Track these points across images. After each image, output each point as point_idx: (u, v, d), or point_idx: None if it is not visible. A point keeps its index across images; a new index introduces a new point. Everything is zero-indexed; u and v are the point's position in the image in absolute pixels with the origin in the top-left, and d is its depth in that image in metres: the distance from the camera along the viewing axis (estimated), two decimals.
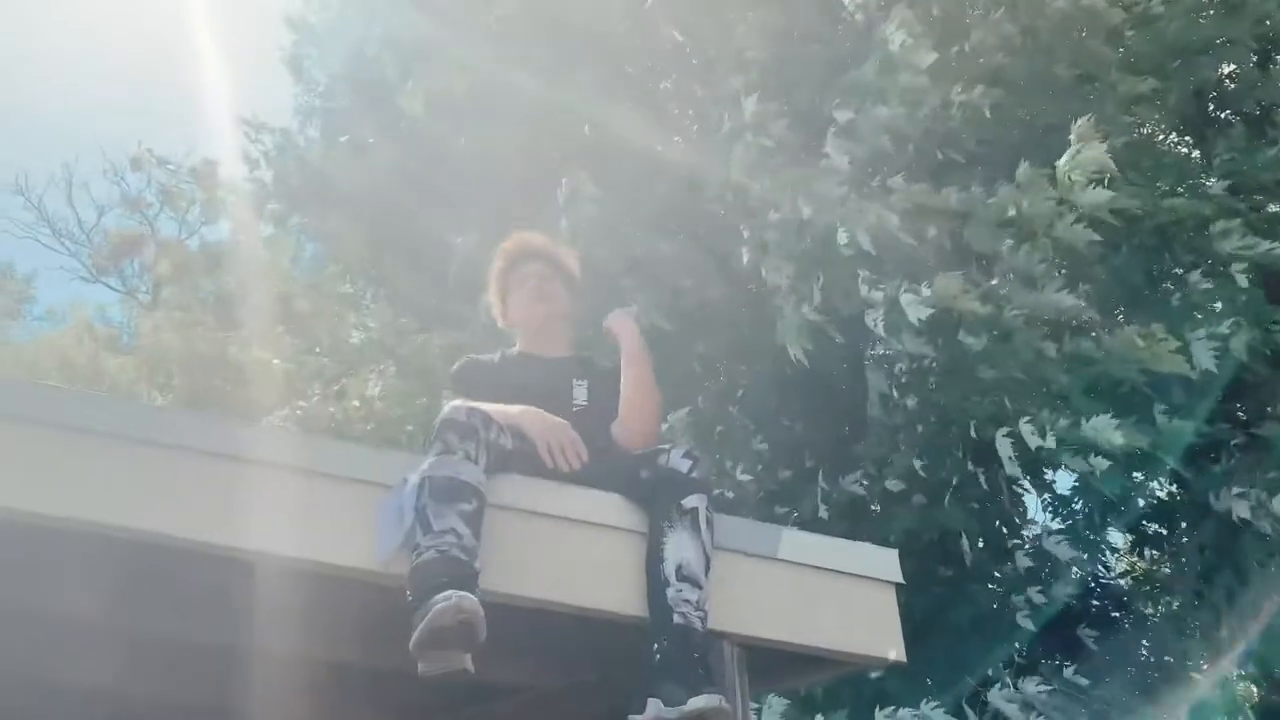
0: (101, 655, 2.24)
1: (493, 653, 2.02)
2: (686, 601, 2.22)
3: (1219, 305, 4.74)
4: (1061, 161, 4.16)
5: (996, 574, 5.36)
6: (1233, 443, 5.17)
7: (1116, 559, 7.08)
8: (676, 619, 2.19)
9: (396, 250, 7.03)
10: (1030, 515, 6.14)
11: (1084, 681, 4.70)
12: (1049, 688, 4.52)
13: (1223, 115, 6.49)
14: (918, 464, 4.79)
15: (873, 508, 5.27)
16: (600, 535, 2.34)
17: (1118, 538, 6.37)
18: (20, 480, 1.84)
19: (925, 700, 4.41)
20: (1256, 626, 4.93)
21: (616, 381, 2.75)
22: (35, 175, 27.27)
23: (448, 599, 1.90)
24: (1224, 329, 4.43)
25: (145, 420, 2.01)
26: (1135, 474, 5.30)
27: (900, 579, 2.60)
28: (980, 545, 5.00)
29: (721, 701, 2.05)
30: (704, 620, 2.23)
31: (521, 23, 5.82)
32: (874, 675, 4.33)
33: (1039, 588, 4.87)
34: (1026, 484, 5.81)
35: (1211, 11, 5.64)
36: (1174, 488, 5.94)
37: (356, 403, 7.03)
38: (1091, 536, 5.65)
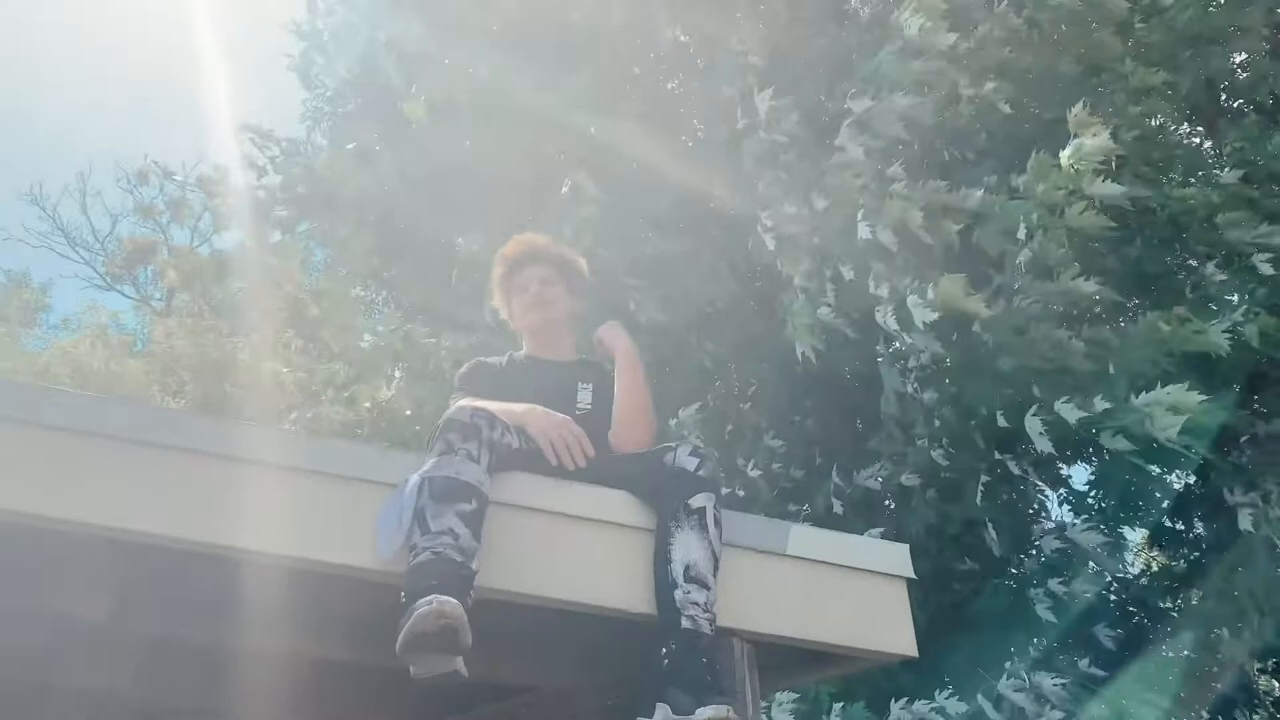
0: (107, 657, 2.23)
1: (501, 651, 2.01)
2: (694, 604, 2.20)
3: (1235, 296, 4.68)
4: (1066, 153, 4.13)
5: (1015, 571, 5.31)
6: (1243, 438, 5.11)
7: (1134, 556, 7.03)
8: (685, 622, 2.17)
9: (403, 255, 7.04)
10: (1052, 514, 6.09)
11: (1100, 673, 4.65)
12: (1063, 680, 4.47)
13: (1235, 105, 6.44)
14: (937, 456, 4.75)
15: (888, 503, 5.24)
16: (607, 532, 2.32)
17: (1135, 535, 6.32)
18: (23, 483, 1.84)
19: (940, 691, 4.37)
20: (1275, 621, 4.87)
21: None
22: (50, 185, 27.56)
23: (429, 604, 1.88)
24: (1239, 316, 4.37)
25: (146, 422, 1.99)
26: (1153, 466, 5.25)
27: (911, 574, 2.57)
28: (1003, 536, 4.95)
29: (730, 712, 2.03)
30: (712, 623, 2.21)
31: (523, 25, 5.82)
32: (891, 670, 4.30)
33: (1060, 579, 4.82)
34: (1042, 483, 5.77)
35: (1223, 1, 5.60)
36: (1192, 481, 5.89)
37: (368, 404, 7.04)
38: (1108, 532, 5.59)
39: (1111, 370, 4.24)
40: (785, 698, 4.46)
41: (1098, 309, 4.70)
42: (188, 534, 1.88)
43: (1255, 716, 5.99)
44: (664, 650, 2.15)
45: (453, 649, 1.91)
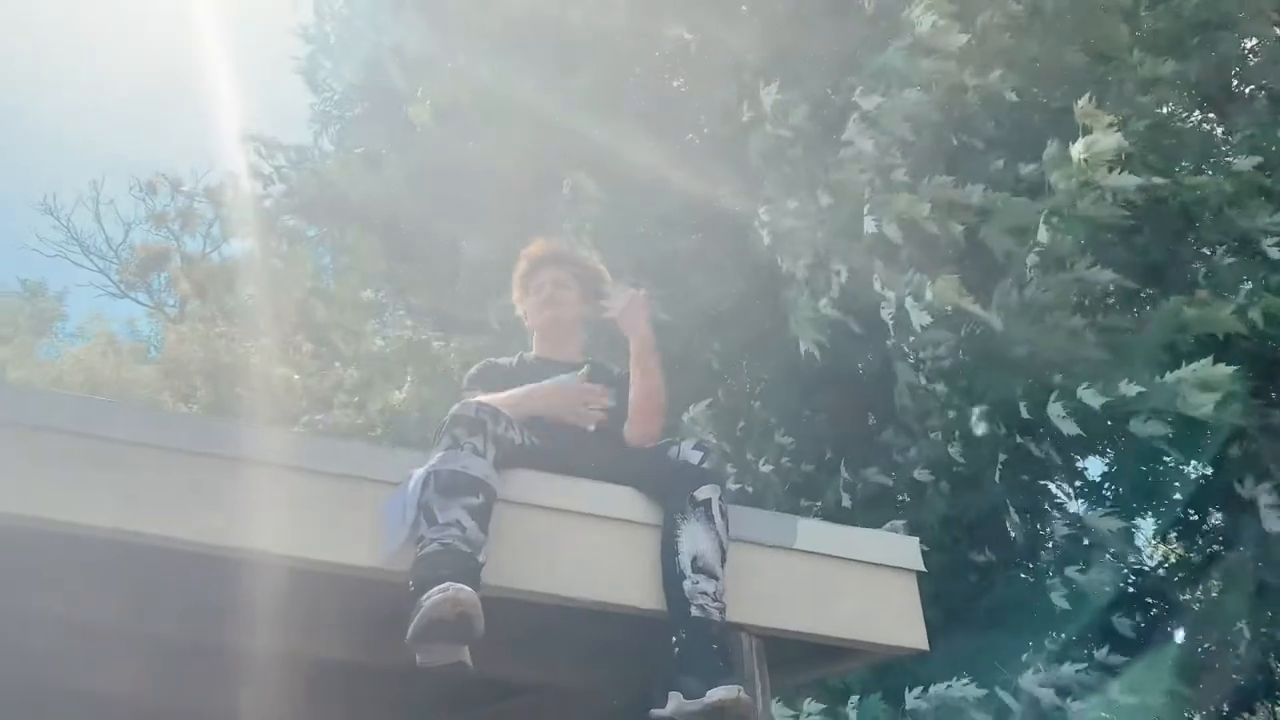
0: (114, 659, 2.24)
1: (508, 650, 2.01)
2: (703, 593, 2.20)
3: (1249, 283, 4.64)
4: (1078, 147, 4.10)
5: (1031, 565, 5.28)
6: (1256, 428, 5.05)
7: (1151, 547, 6.97)
8: (694, 611, 2.17)
9: (411, 258, 7.05)
10: (1068, 505, 6.05)
11: (1118, 659, 4.60)
12: (1082, 667, 4.44)
13: (1245, 91, 6.38)
14: (952, 449, 4.72)
15: (901, 497, 5.21)
16: (613, 528, 2.32)
17: (1149, 525, 6.27)
18: (31, 487, 1.84)
19: (956, 678, 4.34)
20: None
21: (625, 387, 2.72)
22: (61, 191, 27.76)
23: (444, 590, 1.88)
24: (1242, 299, 4.33)
25: (152, 425, 2.00)
26: (1167, 456, 5.21)
27: (921, 567, 2.56)
28: (1019, 523, 4.91)
29: (740, 692, 2.03)
30: (722, 611, 2.21)
31: (524, 26, 5.82)
32: (907, 664, 4.27)
33: (1077, 566, 4.79)
34: (1060, 470, 5.72)
35: None
36: (1209, 472, 5.84)
37: (378, 407, 7.05)
38: (1126, 521, 5.55)
39: (1132, 354, 4.21)
40: (816, 708, 4.45)
41: (1110, 299, 4.66)
42: (193, 536, 1.88)
43: (1277, 708, 5.95)
44: (674, 639, 2.16)
45: (465, 637, 1.92)
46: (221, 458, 1.96)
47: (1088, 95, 4.14)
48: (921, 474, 4.95)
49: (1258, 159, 4.87)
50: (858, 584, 2.48)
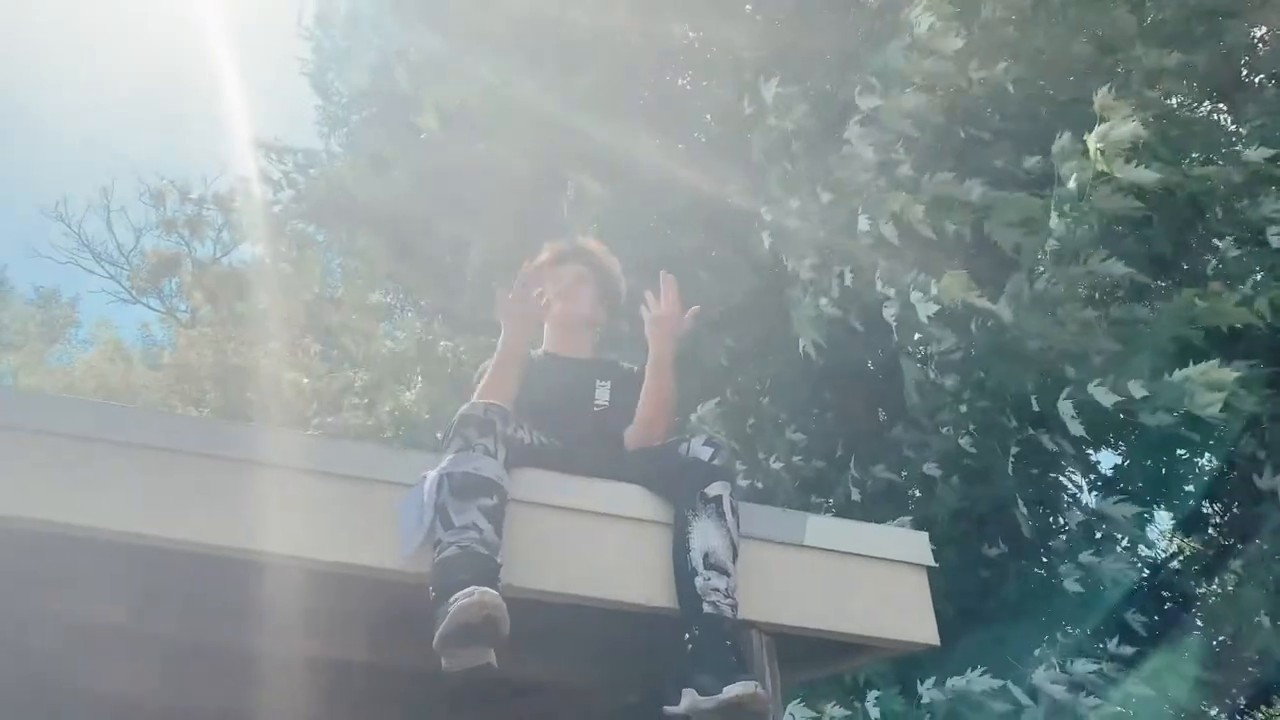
0: (128, 661, 2.25)
1: (520, 649, 2.00)
2: (715, 590, 2.19)
3: (1260, 273, 4.60)
4: (1093, 137, 4.07)
5: (1044, 559, 5.25)
6: (1269, 419, 5.01)
7: (1166, 541, 6.93)
8: (706, 608, 2.17)
9: (419, 261, 7.06)
10: (1081, 497, 6.01)
11: (1130, 650, 4.57)
12: (1096, 667, 4.41)
13: (1255, 81, 6.33)
14: (964, 442, 4.70)
15: (912, 492, 5.19)
16: (623, 527, 2.32)
17: (1165, 517, 6.23)
18: (41, 490, 1.85)
19: (971, 669, 4.33)
20: None
21: (637, 385, 2.73)
22: (74, 200, 27.93)
23: (470, 594, 1.88)
24: (1248, 289, 4.30)
25: (160, 428, 2.00)
26: (1180, 450, 5.17)
27: (932, 562, 2.55)
28: (1030, 516, 4.89)
29: (756, 688, 2.03)
30: (734, 608, 2.20)
31: (527, 27, 5.82)
32: (920, 660, 4.26)
33: (1092, 550, 4.76)
34: (1074, 463, 5.69)
35: None
36: (1223, 464, 5.80)
37: (388, 408, 7.07)
38: (1140, 516, 5.51)
39: (1143, 347, 4.18)
40: (841, 713, 4.44)
41: (1119, 292, 4.63)
42: (203, 538, 1.89)
43: None
44: (687, 637, 2.15)
45: (492, 640, 1.92)
46: (230, 460, 1.97)
47: (1107, 86, 4.11)
48: (931, 469, 4.94)
49: (1269, 151, 4.83)
50: (868, 580, 2.47)
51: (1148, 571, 5.82)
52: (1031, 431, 4.71)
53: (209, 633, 2.18)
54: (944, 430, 4.88)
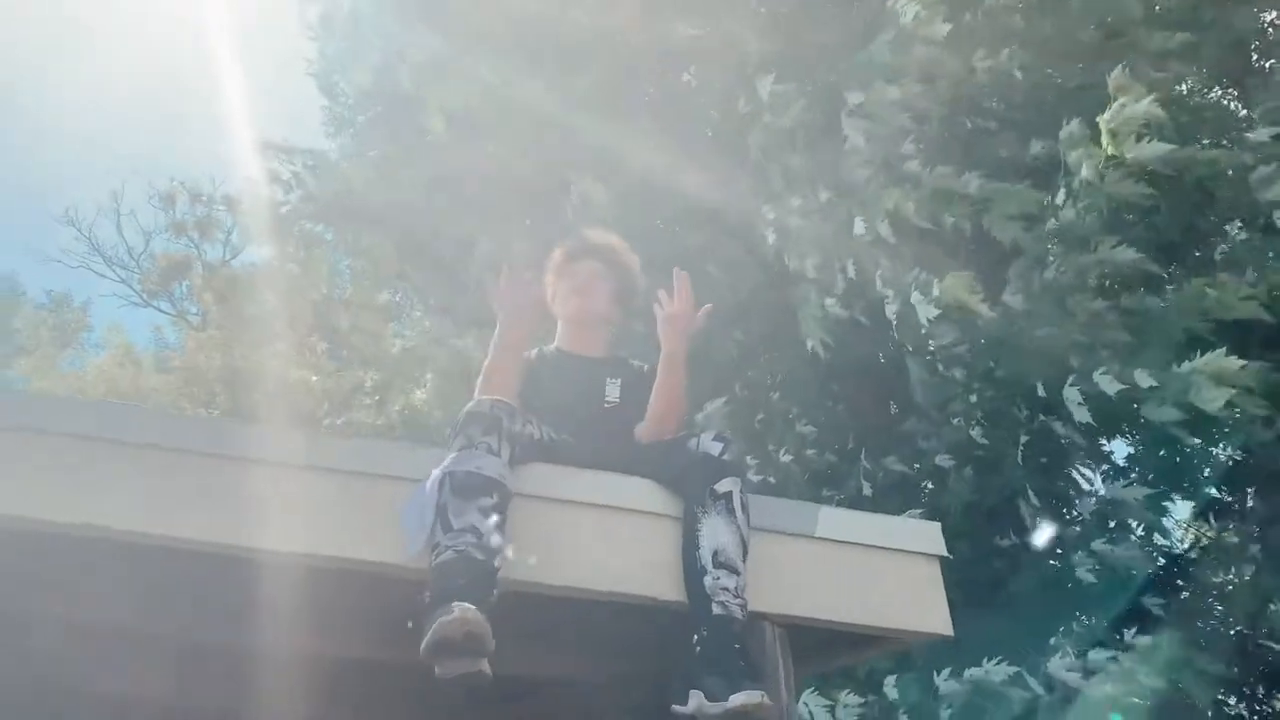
0: (132, 661, 2.25)
1: (528, 645, 2.00)
2: (725, 589, 2.18)
3: (1273, 258, 4.57)
4: (1106, 117, 4.04)
5: (1057, 549, 5.22)
6: None
7: (1183, 530, 6.88)
8: (716, 609, 2.16)
9: (426, 260, 7.07)
10: (1092, 486, 5.98)
11: (1146, 640, 4.54)
12: (1111, 654, 4.39)
13: (1266, 66, 6.28)
14: (975, 433, 4.68)
15: (926, 484, 5.18)
16: (632, 521, 2.31)
17: (1179, 508, 6.19)
18: (42, 490, 1.85)
19: (986, 659, 4.31)
20: None
21: (648, 384, 2.73)
22: (84, 205, 28.04)
23: (449, 612, 1.88)
24: (1251, 276, 4.26)
25: (164, 428, 2.00)
26: (1196, 439, 5.13)
27: (944, 552, 2.53)
28: (1042, 506, 4.87)
29: (764, 697, 2.01)
30: (743, 608, 2.19)
31: (527, 27, 5.81)
32: (934, 651, 4.24)
33: (1104, 539, 4.73)
34: (1084, 452, 5.66)
35: None
36: (1239, 452, 5.75)
37: (398, 408, 7.08)
38: (1154, 504, 5.48)
39: (1152, 338, 4.15)
40: (852, 699, 4.44)
41: (1127, 281, 4.59)
42: (206, 536, 1.89)
43: None
44: (696, 637, 2.14)
45: (477, 653, 1.91)
46: (232, 458, 1.97)
47: (1121, 65, 4.08)
48: (943, 460, 4.92)
49: (1274, 129, 4.78)
50: (881, 570, 2.46)
51: (1163, 560, 5.78)
52: (1043, 418, 4.68)
53: (213, 632, 2.18)
54: (954, 421, 4.85)
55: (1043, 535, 4.93)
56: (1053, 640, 4.51)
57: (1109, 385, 4.04)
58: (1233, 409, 3.82)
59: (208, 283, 14.29)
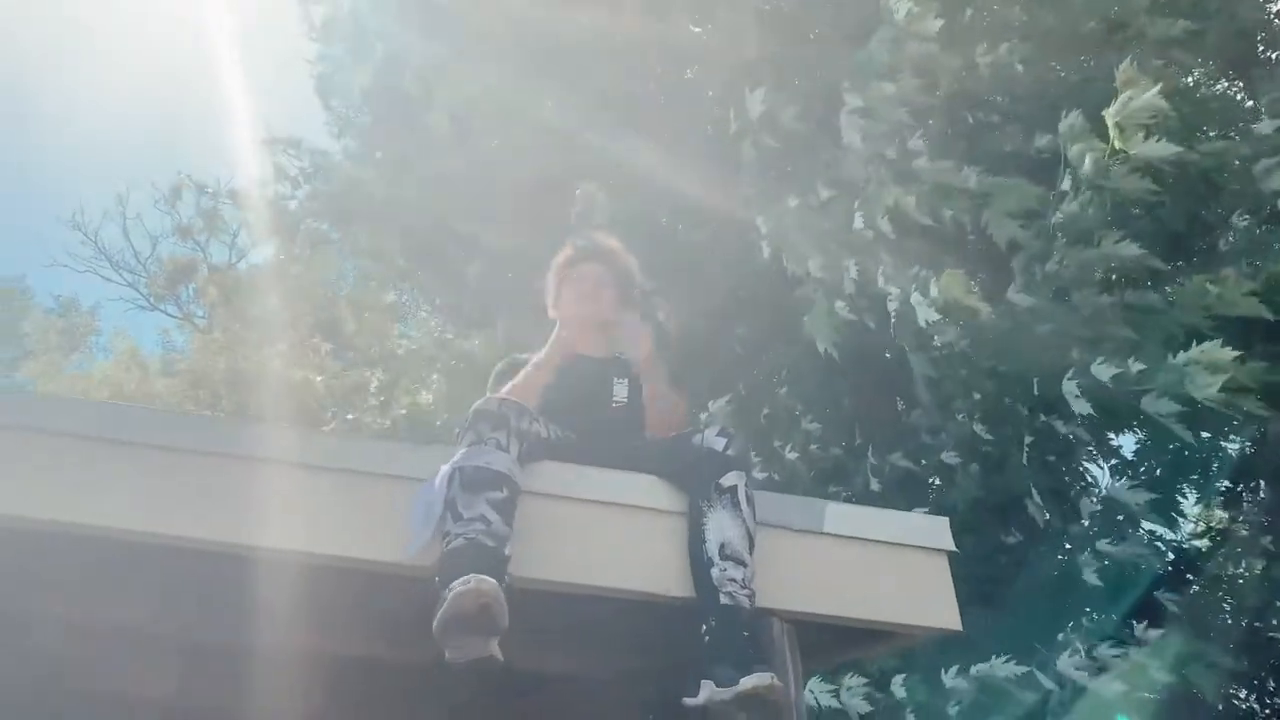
0: (136, 660, 2.25)
1: (537, 641, 2.00)
2: (732, 580, 2.19)
3: (1278, 246, 4.55)
4: (1112, 110, 4.02)
5: (1067, 546, 5.21)
6: None
7: (1194, 522, 6.87)
8: (723, 599, 2.17)
9: (431, 260, 7.08)
10: (1099, 481, 5.96)
11: (1156, 632, 4.53)
12: (1121, 650, 4.37)
13: (1273, 56, 6.26)
14: (979, 429, 4.66)
15: (932, 480, 5.16)
16: (640, 517, 2.31)
17: (1189, 500, 6.16)
18: (45, 490, 1.85)
19: (995, 656, 4.30)
20: None
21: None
22: (90, 209, 28.15)
23: (466, 583, 1.89)
24: (1245, 268, 4.25)
25: (165, 427, 2.00)
26: (1205, 433, 5.12)
27: (952, 547, 2.52)
28: (1047, 504, 4.85)
29: (773, 679, 2.02)
30: (751, 598, 2.20)
31: (529, 27, 5.81)
32: (944, 647, 4.23)
33: (1109, 540, 4.71)
34: (1089, 447, 5.64)
35: None
36: (1245, 443, 5.73)
37: (403, 411, 7.09)
38: (1163, 498, 5.46)
39: (1154, 333, 4.14)
40: (856, 681, 4.43)
41: (1131, 275, 4.58)
42: (208, 535, 1.89)
43: None
44: (704, 628, 2.15)
45: (490, 630, 1.91)
46: (232, 456, 1.97)
47: (1129, 59, 4.06)
48: (950, 456, 4.91)
49: (1277, 122, 4.76)
50: (889, 566, 2.45)
51: (1171, 555, 5.76)
52: (1044, 419, 4.67)
53: (214, 631, 2.19)
54: (959, 417, 4.84)
55: (1049, 532, 4.92)
56: (1061, 636, 4.49)
57: (1104, 373, 4.04)
58: (1227, 397, 3.81)
59: (211, 280, 14.31)
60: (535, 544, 2.13)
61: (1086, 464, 5.49)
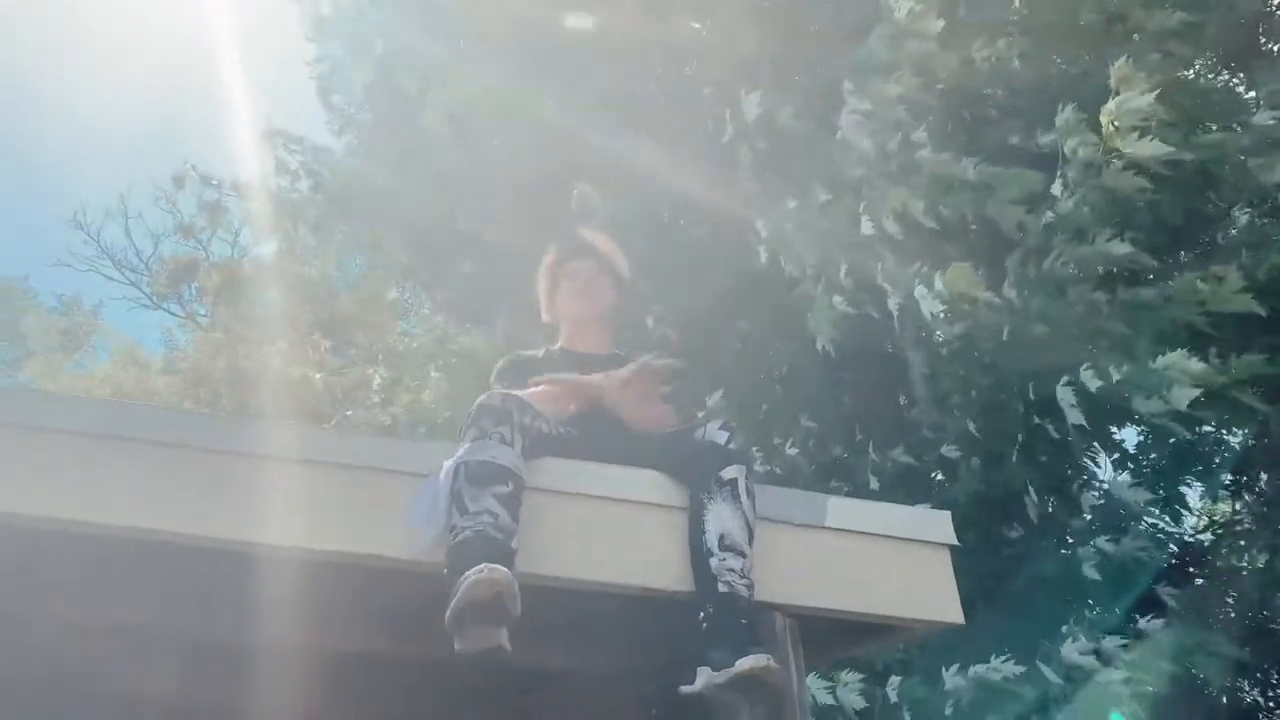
0: (139, 659, 2.25)
1: (539, 638, 2.00)
2: (731, 570, 2.20)
3: (1277, 238, 4.53)
4: (1110, 107, 4.01)
5: (1070, 539, 5.21)
6: None
7: (1197, 515, 6.86)
8: (721, 587, 2.18)
9: (431, 257, 7.08)
10: (1100, 478, 5.95)
11: (1159, 626, 4.53)
12: (1124, 642, 4.37)
13: (1275, 49, 6.23)
14: (972, 425, 4.67)
15: (934, 475, 5.16)
16: (642, 513, 2.31)
17: (1191, 493, 6.16)
18: (45, 488, 1.85)
19: (996, 656, 4.30)
20: None
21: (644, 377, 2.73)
22: (93, 207, 28.16)
23: (480, 571, 1.89)
24: (1251, 260, 4.24)
25: (164, 424, 2.00)
26: (1207, 426, 5.11)
27: (954, 540, 2.53)
28: (1048, 500, 4.85)
29: (769, 660, 2.02)
30: (750, 588, 2.20)
31: (528, 26, 5.80)
32: (947, 642, 4.24)
33: (1109, 536, 4.72)
34: (1096, 445, 5.64)
35: None
36: (1247, 435, 5.73)
37: (403, 405, 7.09)
38: (1165, 491, 5.46)
39: (1146, 330, 4.14)
40: (852, 677, 4.43)
41: (1126, 271, 4.57)
42: (209, 532, 1.89)
43: None
44: (702, 616, 2.16)
45: (502, 619, 1.92)
46: (235, 454, 1.97)
47: (1125, 57, 4.05)
48: (950, 451, 4.91)
49: (1277, 114, 4.74)
50: (891, 560, 2.46)
51: (1174, 549, 5.76)
52: (1038, 421, 4.67)
53: (216, 627, 2.19)
54: (957, 414, 4.84)
55: (1051, 527, 4.93)
56: (1064, 628, 4.49)
57: (1090, 380, 4.05)
58: (1201, 410, 3.83)
59: (211, 274, 14.30)
60: (536, 539, 2.12)
61: (1087, 458, 5.49)
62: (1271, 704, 6.01)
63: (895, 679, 4.46)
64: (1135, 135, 3.96)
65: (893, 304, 4.45)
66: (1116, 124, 3.98)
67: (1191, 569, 5.78)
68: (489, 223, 6.22)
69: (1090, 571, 4.54)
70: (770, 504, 2.36)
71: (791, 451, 5.33)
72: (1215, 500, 6.79)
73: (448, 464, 2.11)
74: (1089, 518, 5.15)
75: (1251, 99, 5.55)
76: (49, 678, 2.26)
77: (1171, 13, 4.69)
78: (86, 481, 1.88)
